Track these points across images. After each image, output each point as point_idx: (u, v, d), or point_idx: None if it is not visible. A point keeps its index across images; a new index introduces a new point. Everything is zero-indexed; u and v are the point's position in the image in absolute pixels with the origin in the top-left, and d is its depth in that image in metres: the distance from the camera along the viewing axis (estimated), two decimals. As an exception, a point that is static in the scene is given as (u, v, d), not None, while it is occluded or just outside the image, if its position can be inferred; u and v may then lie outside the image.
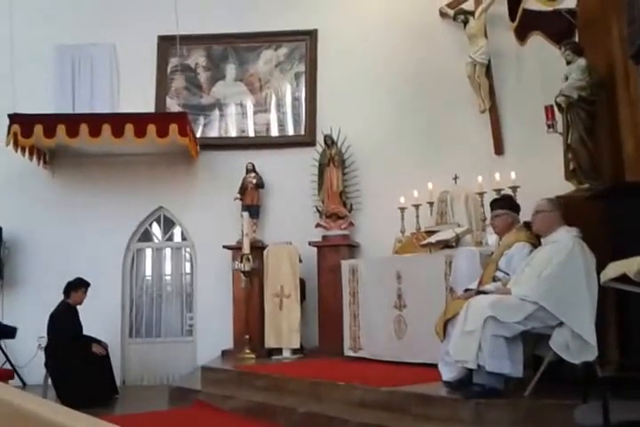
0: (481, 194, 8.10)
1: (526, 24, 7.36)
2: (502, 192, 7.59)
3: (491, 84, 9.54)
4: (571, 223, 5.58)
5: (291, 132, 11.04)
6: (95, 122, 9.68)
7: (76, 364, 8.49)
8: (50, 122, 9.69)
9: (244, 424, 6.69)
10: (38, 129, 9.64)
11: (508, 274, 5.83)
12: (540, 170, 7.97)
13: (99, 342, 8.98)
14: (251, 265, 9.45)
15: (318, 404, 6.47)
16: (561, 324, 5.04)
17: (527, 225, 6.08)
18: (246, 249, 9.50)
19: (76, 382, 8.31)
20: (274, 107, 11.11)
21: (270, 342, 9.45)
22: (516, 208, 6.38)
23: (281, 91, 11.12)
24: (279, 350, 9.39)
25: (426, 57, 10.05)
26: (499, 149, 9.50)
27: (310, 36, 11.02)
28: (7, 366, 9.78)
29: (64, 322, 8.81)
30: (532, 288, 5.21)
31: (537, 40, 7.74)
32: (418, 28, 10.17)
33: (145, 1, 10.99)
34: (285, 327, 9.38)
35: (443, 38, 10.11)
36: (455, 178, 8.92)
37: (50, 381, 8.69)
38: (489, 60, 9.48)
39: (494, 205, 6.47)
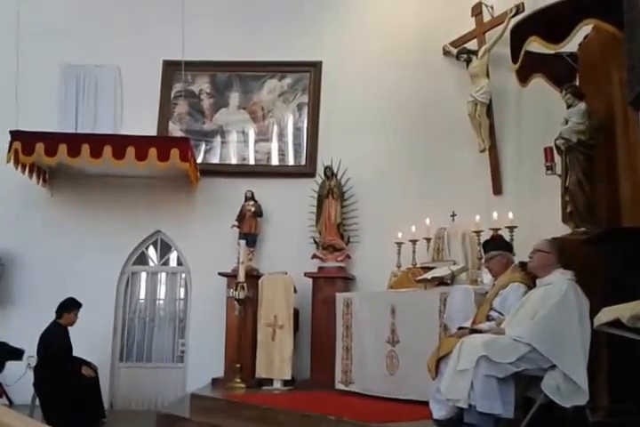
0: (478, 233, 8.05)
1: (528, 66, 7.39)
2: (499, 232, 7.58)
3: (491, 124, 9.55)
4: (565, 266, 5.61)
5: (291, 162, 11.07)
6: (97, 143, 9.70)
7: (64, 385, 8.42)
8: (51, 140, 9.71)
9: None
10: (40, 147, 9.65)
11: (502, 314, 5.84)
12: (538, 211, 7.99)
13: (88, 363, 8.91)
14: (245, 293, 9.38)
15: (307, 437, 6.39)
16: (553, 366, 5.04)
17: (522, 265, 6.10)
18: (241, 277, 9.44)
19: (64, 404, 8.25)
20: (275, 136, 11.14)
21: (261, 373, 9.35)
22: (509, 248, 6.43)
23: (283, 120, 11.17)
24: (270, 381, 9.30)
25: (428, 94, 10.10)
26: (497, 188, 9.50)
27: (315, 67, 11.08)
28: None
29: (54, 343, 8.73)
30: (526, 330, 5.22)
31: (538, 82, 7.77)
32: (421, 65, 10.24)
33: (152, 25, 11.11)
34: (277, 358, 9.29)
35: (445, 76, 10.17)
36: (453, 215, 8.93)
37: (37, 401, 8.61)
38: (490, 100, 9.51)
39: (487, 246, 6.55)
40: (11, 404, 9.44)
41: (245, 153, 11.18)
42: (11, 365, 9.71)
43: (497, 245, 6.43)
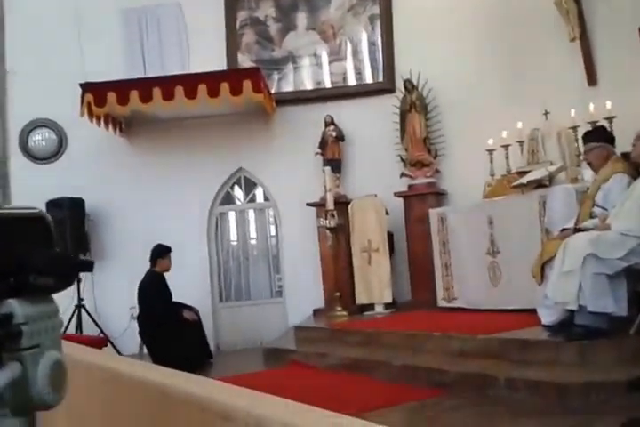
0: (574, 128, 7.62)
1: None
2: (597, 124, 7.11)
3: (580, 9, 8.84)
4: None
5: (369, 79, 10.61)
6: (167, 84, 9.45)
7: (168, 331, 8.42)
8: (122, 88, 9.50)
9: (342, 380, 6.52)
10: (111, 96, 9.43)
11: (606, 209, 5.52)
12: (638, 98, 7.44)
13: (190, 307, 8.90)
14: (336, 221, 9.16)
15: (414, 356, 6.38)
16: (665, 258, 4.72)
17: (624, 156, 5.74)
18: (330, 205, 9.22)
19: (171, 349, 8.21)
20: (349, 54, 10.67)
21: (362, 299, 9.24)
22: (610, 140, 5.99)
23: (356, 37, 10.67)
24: (371, 306, 9.18)
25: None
26: (592, 78, 8.81)
27: (383, -27, 10.50)
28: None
29: (154, 291, 8.73)
30: (634, 222, 4.98)
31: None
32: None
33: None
34: (376, 282, 9.14)
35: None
36: (546, 113, 8.38)
37: (144, 349, 8.70)
38: (577, -17, 8.84)
39: (586, 138, 6.16)
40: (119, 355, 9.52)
41: (320, 76, 10.78)
42: (115, 317, 9.81)
43: (597, 137, 6.05)
